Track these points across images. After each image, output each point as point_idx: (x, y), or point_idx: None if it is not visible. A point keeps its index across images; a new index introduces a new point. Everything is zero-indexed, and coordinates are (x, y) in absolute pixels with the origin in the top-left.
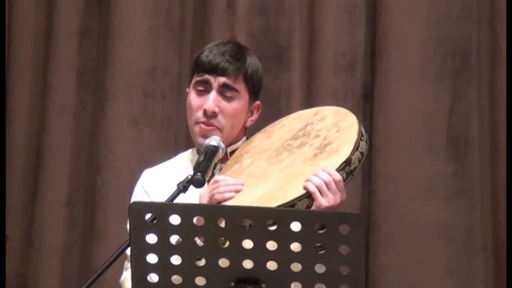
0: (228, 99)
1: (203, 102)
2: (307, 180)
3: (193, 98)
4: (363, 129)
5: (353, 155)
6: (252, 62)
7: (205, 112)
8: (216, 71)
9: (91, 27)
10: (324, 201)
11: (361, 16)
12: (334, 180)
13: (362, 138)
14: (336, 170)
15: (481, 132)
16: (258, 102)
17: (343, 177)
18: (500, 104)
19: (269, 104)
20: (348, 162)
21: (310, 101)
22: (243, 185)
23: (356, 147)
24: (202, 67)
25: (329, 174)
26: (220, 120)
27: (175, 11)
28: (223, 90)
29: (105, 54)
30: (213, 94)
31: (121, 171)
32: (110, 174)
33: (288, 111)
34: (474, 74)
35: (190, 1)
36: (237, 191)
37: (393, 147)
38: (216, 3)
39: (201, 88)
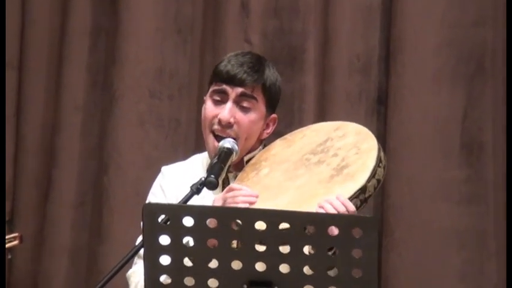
0: (245, 110)
1: (219, 111)
2: (321, 207)
3: (209, 106)
4: (382, 154)
5: (369, 182)
6: (271, 74)
7: (220, 121)
8: (233, 81)
9: (103, 26)
10: (336, 230)
11: (376, 19)
12: (348, 211)
13: (380, 164)
14: (351, 197)
15: (494, 137)
16: (274, 115)
17: (356, 206)
18: None
19: (282, 106)
20: (363, 189)
21: (323, 103)
22: (257, 197)
23: (373, 175)
24: (219, 77)
25: (343, 203)
26: (236, 130)
27: (184, 12)
28: (240, 100)
29: (114, 53)
30: (229, 104)
31: (127, 172)
32: (116, 175)
33: (301, 114)
34: (488, 78)
35: (200, 2)
36: (251, 203)
37: (407, 151)
38: (230, 5)
39: (218, 98)
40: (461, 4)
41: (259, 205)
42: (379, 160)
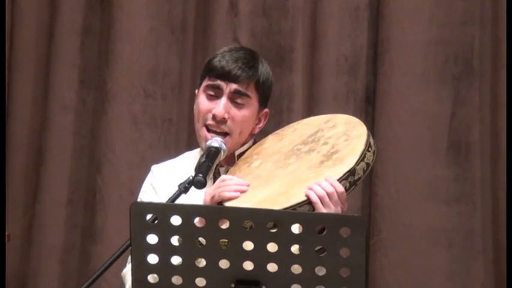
0: (238, 106)
1: (213, 107)
2: (310, 189)
3: (202, 101)
4: (371, 140)
5: (358, 165)
6: (264, 69)
7: (214, 117)
8: (228, 77)
9: (93, 26)
10: (325, 211)
11: (364, 19)
12: (337, 192)
13: (369, 149)
14: (340, 179)
15: (482, 136)
16: (266, 109)
17: (346, 187)
18: (502, 108)
19: (271, 106)
20: (352, 172)
21: (312, 103)
22: (248, 186)
23: (362, 158)
24: (214, 72)
25: (332, 184)
26: (229, 125)
27: (177, 12)
28: (234, 96)
29: (107, 53)
30: (224, 100)
31: (121, 171)
32: (110, 174)
33: (290, 113)
34: (476, 78)
35: (192, 2)
36: (242, 192)
37: (395, 151)
38: (219, 5)
39: (212, 93)
40: (449, 3)
41: (250, 193)
42: (368, 145)
